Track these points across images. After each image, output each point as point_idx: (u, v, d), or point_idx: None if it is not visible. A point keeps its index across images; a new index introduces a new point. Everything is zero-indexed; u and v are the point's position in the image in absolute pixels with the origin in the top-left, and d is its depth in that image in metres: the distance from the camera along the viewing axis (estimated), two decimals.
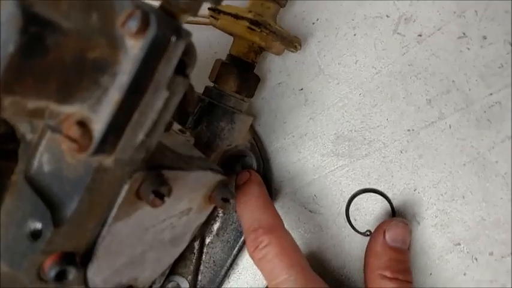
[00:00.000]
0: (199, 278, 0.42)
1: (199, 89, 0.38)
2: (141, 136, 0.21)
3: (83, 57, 0.17)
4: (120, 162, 0.21)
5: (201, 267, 0.42)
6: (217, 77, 0.39)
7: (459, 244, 0.36)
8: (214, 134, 0.38)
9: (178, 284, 0.42)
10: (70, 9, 0.17)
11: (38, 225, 0.22)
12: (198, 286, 0.42)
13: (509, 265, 0.34)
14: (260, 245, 0.33)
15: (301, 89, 0.42)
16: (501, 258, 0.35)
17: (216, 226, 0.42)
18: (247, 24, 0.36)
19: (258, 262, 0.34)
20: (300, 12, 0.42)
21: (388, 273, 0.33)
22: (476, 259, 0.35)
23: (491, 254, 0.35)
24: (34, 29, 0.15)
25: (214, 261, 0.42)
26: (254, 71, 0.40)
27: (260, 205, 0.36)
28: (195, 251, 0.42)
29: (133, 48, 0.18)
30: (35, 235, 0.22)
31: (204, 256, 0.42)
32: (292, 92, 0.43)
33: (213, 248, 0.42)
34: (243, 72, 0.39)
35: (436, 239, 0.36)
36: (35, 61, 0.16)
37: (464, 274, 0.36)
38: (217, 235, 0.42)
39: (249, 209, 0.36)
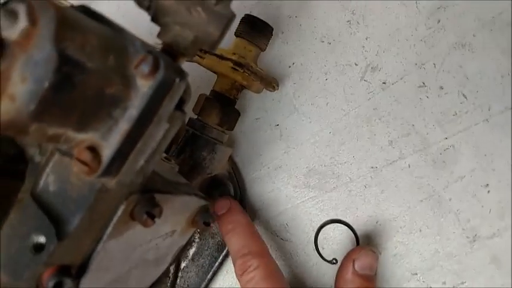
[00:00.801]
0: None
1: None
2: (141, 162, 0.24)
3: (102, 92, 0.20)
4: (121, 184, 0.24)
5: None
6: (201, 110, 0.42)
7: (416, 274, 0.39)
8: (196, 163, 0.41)
9: None
10: (92, 51, 0.20)
11: (42, 239, 0.24)
12: None
13: None
14: (249, 269, 0.36)
15: (277, 125, 0.46)
16: (452, 287, 0.38)
17: (191, 251, 0.45)
18: (231, 64, 0.39)
19: (245, 285, 0.36)
20: (278, 55, 0.46)
21: None
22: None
23: (444, 283, 0.39)
24: (66, 69, 0.18)
25: (188, 285, 0.44)
26: (235, 106, 0.43)
27: (248, 233, 0.38)
28: (171, 274, 0.44)
29: (144, 87, 0.21)
30: (38, 248, 0.24)
31: (178, 280, 0.44)
32: (269, 127, 0.46)
33: (188, 273, 0.44)
34: (225, 107, 0.42)
35: (395, 269, 0.40)
36: (63, 95, 0.18)
37: None
38: (193, 260, 0.45)
39: (238, 236, 0.38)
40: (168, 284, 0.44)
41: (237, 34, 0.42)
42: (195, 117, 0.43)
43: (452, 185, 0.39)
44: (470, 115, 0.39)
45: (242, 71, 0.39)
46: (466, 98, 0.40)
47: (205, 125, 0.41)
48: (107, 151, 0.22)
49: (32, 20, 0.18)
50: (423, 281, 0.39)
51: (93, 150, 0.22)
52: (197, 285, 0.44)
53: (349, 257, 0.37)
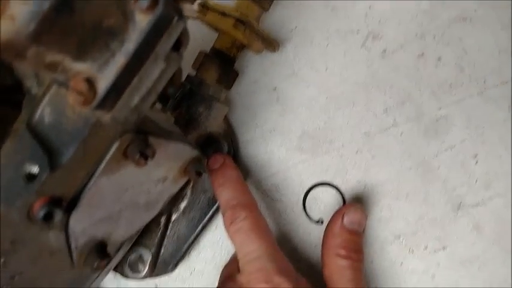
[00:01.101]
0: (162, 250, 0.45)
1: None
2: (136, 99, 0.24)
3: (100, 22, 0.21)
4: (115, 121, 0.24)
5: (165, 241, 0.45)
6: (200, 66, 0.42)
7: (399, 237, 0.40)
8: (192, 118, 0.41)
9: (141, 255, 0.45)
10: None
11: (35, 169, 0.24)
12: (159, 259, 0.45)
13: (440, 258, 0.39)
14: (237, 219, 0.37)
15: (275, 88, 0.46)
16: (434, 252, 0.39)
17: (183, 205, 0.45)
18: (233, 21, 0.40)
19: (232, 234, 0.37)
20: (281, 18, 0.46)
21: (342, 252, 0.37)
22: (412, 251, 0.40)
23: (426, 248, 0.40)
24: None
25: (177, 237, 0.45)
26: (234, 65, 0.44)
27: (238, 186, 0.39)
28: (161, 225, 0.45)
29: (142, 22, 0.22)
30: (31, 177, 0.24)
31: (169, 231, 0.45)
32: (266, 90, 0.46)
33: (178, 225, 0.45)
34: (224, 64, 0.42)
35: (379, 231, 0.41)
36: (62, 18, 0.19)
37: (401, 264, 0.40)
38: (184, 213, 0.45)
39: (228, 190, 0.39)
40: (158, 234, 0.45)
41: None
42: (194, 73, 0.43)
43: (442, 154, 0.40)
44: (466, 87, 0.40)
45: (244, 28, 0.40)
46: (462, 70, 0.40)
47: (203, 82, 0.42)
48: (103, 83, 0.22)
49: None
50: (405, 245, 0.40)
51: (90, 82, 0.22)
52: (186, 238, 0.45)
53: (339, 212, 0.38)
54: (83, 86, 0.22)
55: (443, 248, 0.39)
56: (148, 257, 0.45)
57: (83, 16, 0.20)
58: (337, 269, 0.36)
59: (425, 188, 0.40)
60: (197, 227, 0.45)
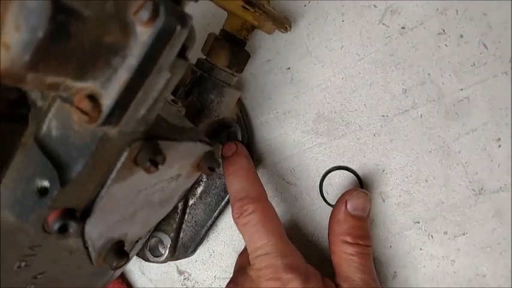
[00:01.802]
0: (181, 235, 0.46)
1: (191, 59, 0.40)
2: (143, 111, 0.24)
3: (100, 41, 0.19)
4: (123, 133, 0.24)
5: (183, 226, 0.46)
6: (210, 50, 0.41)
7: (418, 222, 0.40)
8: (204, 106, 0.41)
9: (161, 240, 0.46)
10: None
11: (46, 184, 0.24)
12: (179, 243, 0.46)
13: (460, 244, 0.39)
14: (245, 212, 0.36)
15: (288, 68, 0.45)
16: (453, 237, 0.39)
17: (199, 190, 0.45)
18: (241, 3, 0.38)
19: (241, 227, 0.37)
20: None
21: (349, 239, 0.36)
22: (432, 236, 0.39)
23: (445, 233, 0.39)
24: (61, 18, 0.17)
25: (195, 222, 0.46)
26: (245, 47, 0.42)
27: (248, 177, 0.39)
28: (179, 211, 0.45)
29: (143, 35, 0.21)
30: (43, 192, 0.24)
31: (186, 216, 0.46)
32: (280, 70, 0.45)
33: (195, 209, 0.46)
34: (234, 47, 0.41)
35: (398, 216, 0.40)
36: (59, 45, 0.18)
37: (420, 249, 0.40)
38: (200, 198, 0.46)
39: (238, 179, 0.38)
40: (177, 220, 0.46)
41: None
42: (204, 57, 0.42)
43: (463, 137, 0.38)
44: (489, 66, 0.38)
45: (253, 10, 0.38)
46: (486, 48, 0.38)
47: (214, 67, 0.40)
48: (107, 100, 0.21)
49: None
50: (425, 230, 0.40)
51: (93, 99, 0.22)
52: (204, 222, 0.46)
53: (342, 198, 0.38)
54: (86, 105, 0.21)
55: (464, 233, 0.38)
56: (167, 241, 0.45)
57: (81, 39, 0.19)
58: (345, 256, 0.36)
59: (445, 172, 0.39)
60: (214, 211, 0.45)
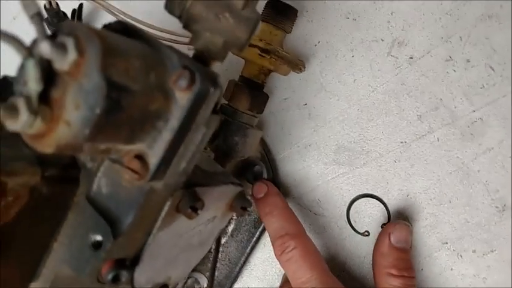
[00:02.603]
0: (216, 274, 0.47)
1: None
2: (184, 164, 0.26)
3: (146, 109, 0.22)
4: (167, 185, 0.26)
5: (218, 265, 0.47)
6: (231, 96, 0.43)
7: (446, 243, 0.41)
8: (230, 148, 0.43)
9: (197, 280, 0.47)
10: (136, 73, 0.21)
11: (99, 238, 0.26)
12: (215, 281, 0.47)
13: (490, 261, 0.40)
14: (287, 249, 0.38)
15: (305, 104, 0.47)
16: (483, 255, 0.40)
17: (230, 228, 0.47)
18: (258, 51, 0.40)
19: (284, 264, 0.39)
20: (303, 34, 0.47)
21: (394, 271, 0.37)
22: (461, 256, 0.40)
23: (474, 251, 0.40)
24: (114, 95, 0.20)
25: (229, 259, 0.47)
26: (263, 89, 0.45)
27: (284, 214, 0.40)
28: (212, 250, 0.47)
29: (182, 99, 0.23)
30: (97, 246, 0.26)
31: (220, 255, 0.47)
32: (297, 107, 0.47)
33: (228, 247, 0.47)
34: (254, 91, 0.43)
35: (426, 239, 0.41)
36: (113, 118, 0.20)
37: (451, 269, 0.41)
38: (232, 236, 0.47)
39: (275, 218, 0.40)
40: (211, 259, 0.47)
41: (262, 19, 0.42)
42: (225, 103, 0.44)
43: (481, 156, 0.40)
44: (498, 87, 0.39)
45: (269, 57, 0.40)
46: (493, 70, 0.40)
47: (236, 111, 0.43)
48: (154, 159, 0.24)
49: (80, 52, 0.19)
50: (453, 250, 0.41)
51: (141, 158, 0.24)
52: (237, 259, 0.47)
53: (384, 231, 0.39)
54: (136, 165, 0.23)
55: (492, 250, 0.39)
56: (204, 281, 0.47)
57: (131, 110, 0.21)
58: None
59: (467, 192, 0.40)
60: (246, 248, 0.47)
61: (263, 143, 0.48)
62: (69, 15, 0.51)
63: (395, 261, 0.38)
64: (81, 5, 0.52)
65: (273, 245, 0.39)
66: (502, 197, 0.39)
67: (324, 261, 0.39)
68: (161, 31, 0.43)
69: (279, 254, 0.38)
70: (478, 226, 0.40)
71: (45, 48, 0.19)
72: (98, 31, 0.21)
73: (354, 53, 0.45)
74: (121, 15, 0.43)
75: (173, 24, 0.32)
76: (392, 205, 0.43)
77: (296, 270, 0.38)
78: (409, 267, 0.38)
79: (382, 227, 0.42)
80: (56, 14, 0.50)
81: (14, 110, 0.19)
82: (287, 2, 0.42)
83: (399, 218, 0.42)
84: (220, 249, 0.47)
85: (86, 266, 0.27)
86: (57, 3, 0.49)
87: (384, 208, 0.43)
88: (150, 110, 0.22)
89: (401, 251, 0.38)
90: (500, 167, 0.39)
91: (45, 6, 0.48)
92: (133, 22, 0.42)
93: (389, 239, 0.38)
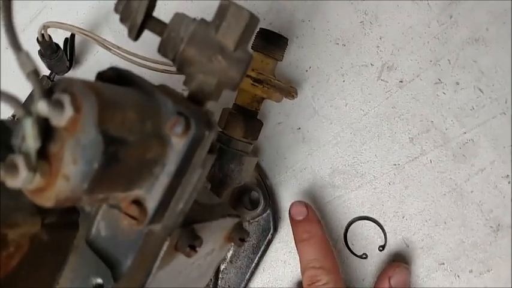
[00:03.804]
0: None
1: None
2: (181, 205, 0.26)
3: (143, 158, 0.22)
4: (165, 227, 0.26)
5: None
6: (226, 124, 0.44)
7: (443, 264, 0.41)
8: (226, 175, 0.43)
9: None
10: (132, 125, 0.22)
11: (100, 281, 0.27)
12: None
13: (487, 280, 0.40)
14: (318, 282, 0.38)
15: (299, 128, 0.47)
16: (479, 274, 0.40)
17: (229, 254, 0.47)
18: (250, 81, 0.41)
19: None
20: (294, 60, 0.48)
21: None
22: (458, 276, 0.41)
23: (471, 271, 0.41)
24: (111, 149, 0.20)
25: (229, 286, 0.47)
26: (257, 116, 0.45)
27: (323, 248, 0.40)
28: (212, 277, 0.47)
29: (178, 144, 0.23)
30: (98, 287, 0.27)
31: (220, 281, 0.47)
32: (291, 131, 0.48)
33: (227, 274, 0.48)
34: (248, 119, 0.44)
35: (423, 260, 0.42)
36: (111, 170, 0.21)
37: None
38: (231, 262, 0.47)
39: (312, 248, 0.40)
40: (211, 286, 0.47)
41: (253, 48, 0.43)
42: (220, 131, 0.44)
43: (473, 177, 0.41)
44: (488, 109, 0.40)
45: (262, 86, 0.41)
46: (482, 92, 0.40)
47: (231, 139, 0.43)
48: (151, 203, 0.24)
49: (76, 108, 0.20)
50: (450, 270, 0.41)
51: (138, 203, 0.24)
52: (237, 285, 0.48)
53: (384, 274, 0.40)
54: (134, 211, 0.24)
55: (488, 270, 0.40)
56: None
57: (128, 160, 0.21)
58: None
59: (461, 212, 0.41)
60: (246, 274, 0.47)
61: (259, 168, 0.48)
62: (61, 44, 0.52)
63: None
64: (73, 35, 0.52)
65: (302, 274, 0.39)
66: (496, 217, 0.40)
67: None
68: (155, 62, 0.43)
69: (308, 284, 0.38)
70: (473, 246, 0.40)
71: (42, 107, 0.19)
72: (93, 86, 0.21)
73: (344, 78, 0.46)
74: (114, 49, 0.43)
75: None
76: (388, 227, 0.43)
77: None
78: None
79: (379, 250, 0.43)
80: (49, 46, 0.50)
81: (13, 168, 0.20)
82: (277, 31, 0.43)
83: (395, 240, 0.43)
84: (220, 275, 0.48)
85: None
86: (49, 36, 0.49)
87: (381, 230, 0.43)
88: (147, 158, 0.23)
89: None
90: (493, 187, 0.40)
91: (37, 39, 0.48)
92: (126, 55, 0.43)
93: (389, 283, 0.39)
